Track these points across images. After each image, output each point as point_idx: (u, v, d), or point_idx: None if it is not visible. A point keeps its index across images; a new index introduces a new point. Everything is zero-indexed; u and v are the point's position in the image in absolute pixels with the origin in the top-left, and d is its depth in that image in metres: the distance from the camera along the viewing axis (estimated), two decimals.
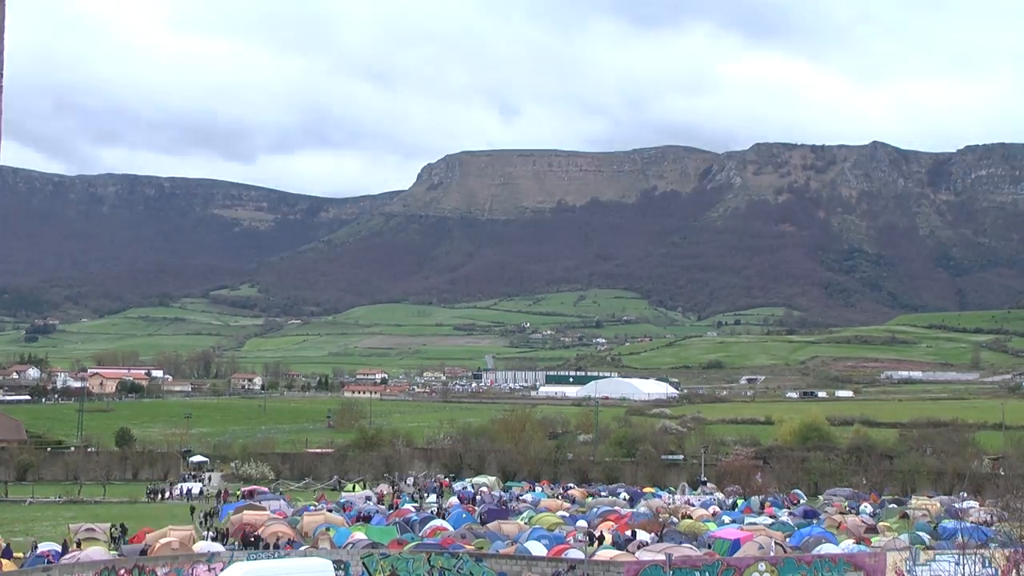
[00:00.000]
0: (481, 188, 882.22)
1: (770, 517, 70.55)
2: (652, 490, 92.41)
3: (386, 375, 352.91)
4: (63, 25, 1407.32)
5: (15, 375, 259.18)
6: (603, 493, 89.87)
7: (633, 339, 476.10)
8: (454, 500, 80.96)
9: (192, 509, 64.12)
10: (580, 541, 50.72)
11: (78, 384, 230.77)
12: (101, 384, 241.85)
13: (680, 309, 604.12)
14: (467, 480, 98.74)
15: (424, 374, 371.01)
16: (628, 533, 58.76)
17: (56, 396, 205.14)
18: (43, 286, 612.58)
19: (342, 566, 44.50)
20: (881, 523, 68.31)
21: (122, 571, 42.28)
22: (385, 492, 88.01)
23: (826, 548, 52.44)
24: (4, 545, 49.92)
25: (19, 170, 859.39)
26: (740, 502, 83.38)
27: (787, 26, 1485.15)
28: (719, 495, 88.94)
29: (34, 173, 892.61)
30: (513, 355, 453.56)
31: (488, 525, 62.32)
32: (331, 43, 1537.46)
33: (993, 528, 55.90)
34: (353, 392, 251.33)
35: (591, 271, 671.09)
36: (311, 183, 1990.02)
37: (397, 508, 74.53)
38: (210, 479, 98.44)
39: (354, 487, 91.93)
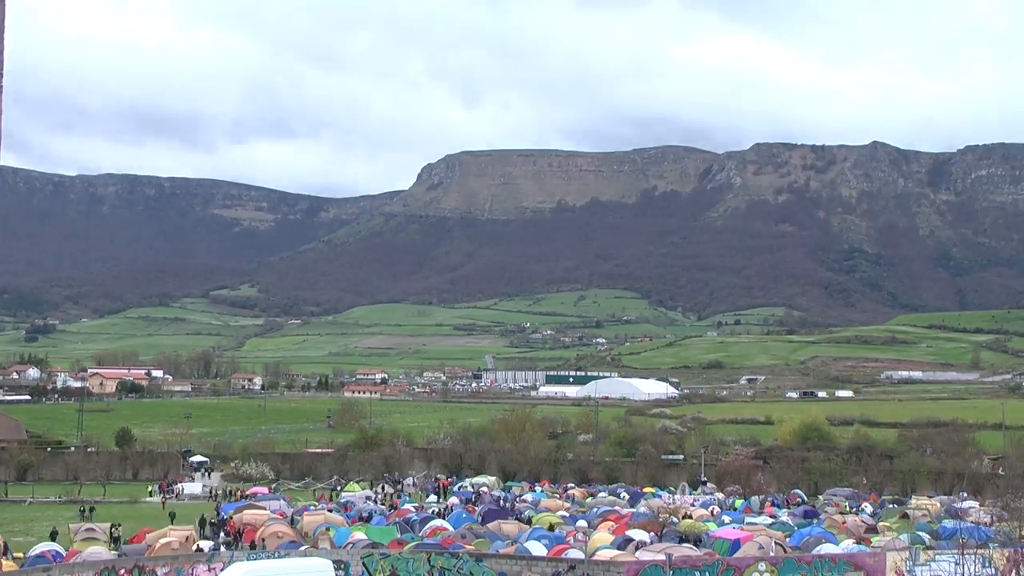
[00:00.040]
0: (481, 188, 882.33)
1: (770, 517, 70.55)
2: (652, 490, 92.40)
3: (386, 375, 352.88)
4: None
5: (15, 375, 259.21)
6: (603, 493, 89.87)
7: (633, 339, 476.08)
8: (454, 500, 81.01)
9: (203, 521, 62.96)
10: (580, 541, 50.75)
11: (78, 384, 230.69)
12: (101, 384, 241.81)
13: (680, 309, 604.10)
14: (466, 480, 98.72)
15: (424, 374, 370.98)
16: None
17: (56, 396, 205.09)
18: (43, 286, 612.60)
19: (342, 566, 44.50)
20: (881, 523, 68.31)
21: (122, 571, 42.29)
22: (386, 491, 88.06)
23: (826, 548, 52.44)
24: (4, 544, 49.97)
25: (19, 170, 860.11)
26: (740, 502, 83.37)
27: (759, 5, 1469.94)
28: (719, 495, 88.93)
29: (34, 173, 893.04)
30: (513, 355, 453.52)
31: (488, 525, 62.34)
32: (276, 28, 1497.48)
33: (993, 528, 55.95)
34: (353, 392, 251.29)
35: (591, 271, 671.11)
36: (311, 183, 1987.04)
37: (397, 508, 74.57)
38: (210, 478, 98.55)
39: (361, 485, 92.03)
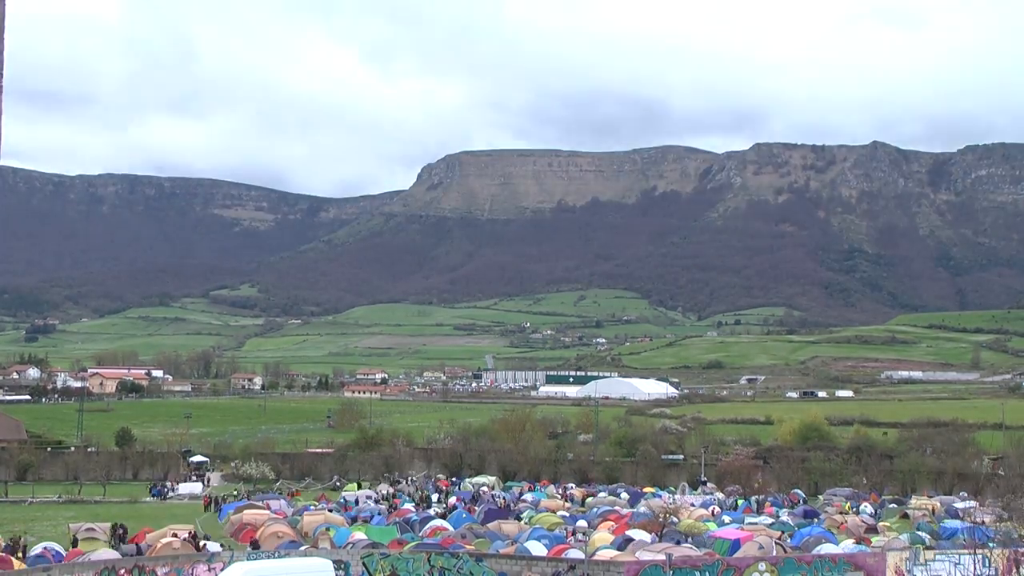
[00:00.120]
0: (481, 188, 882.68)
1: (770, 517, 70.54)
2: (652, 490, 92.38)
3: (386, 375, 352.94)
4: None
5: (15, 375, 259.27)
6: (603, 493, 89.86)
7: (633, 339, 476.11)
8: (454, 500, 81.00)
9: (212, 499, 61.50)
10: (580, 541, 50.74)
11: (78, 384, 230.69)
12: (101, 384, 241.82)
13: (680, 309, 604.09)
14: (466, 479, 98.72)
15: (424, 374, 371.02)
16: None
17: (56, 396, 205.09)
18: (43, 286, 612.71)
19: (342, 566, 44.50)
20: (881, 523, 68.30)
21: (122, 571, 42.28)
22: (386, 492, 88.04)
23: (826, 548, 52.43)
24: (3, 544, 49.96)
25: (19, 170, 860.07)
26: (740, 502, 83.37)
27: None
28: (719, 495, 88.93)
29: (34, 173, 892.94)
30: (513, 355, 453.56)
31: (488, 525, 62.33)
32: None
33: (993, 528, 55.89)
34: (353, 392, 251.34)
35: (591, 271, 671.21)
36: (311, 183, 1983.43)
37: (397, 508, 74.56)
38: (209, 480, 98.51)
39: (360, 484, 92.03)
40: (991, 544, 48.06)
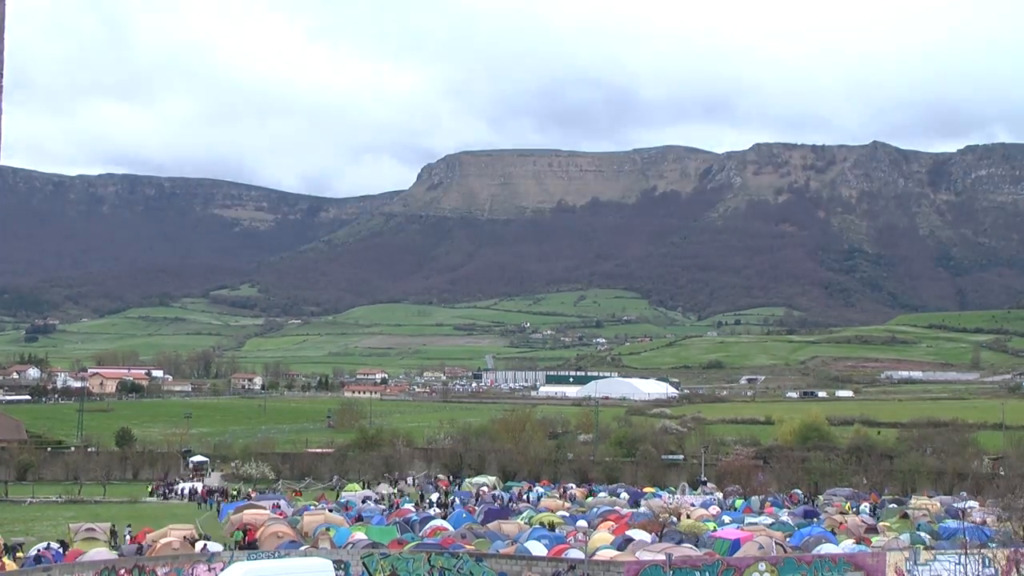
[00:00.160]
0: (481, 188, 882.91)
1: (770, 517, 70.52)
2: (652, 490, 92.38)
3: (386, 375, 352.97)
4: None
5: (15, 375, 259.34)
6: (603, 493, 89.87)
7: (633, 339, 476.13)
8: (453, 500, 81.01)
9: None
10: (580, 541, 50.72)
11: (78, 384, 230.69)
12: (101, 384, 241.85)
13: (680, 309, 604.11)
14: (466, 479, 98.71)
15: (424, 374, 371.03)
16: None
17: (56, 396, 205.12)
18: (43, 286, 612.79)
19: (342, 566, 44.49)
20: (881, 523, 68.29)
21: (122, 571, 42.28)
22: (385, 492, 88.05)
23: (826, 548, 52.41)
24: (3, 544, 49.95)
25: (19, 170, 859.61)
26: (740, 502, 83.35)
27: None
28: (719, 495, 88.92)
29: (34, 173, 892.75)
30: (513, 355, 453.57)
31: (488, 525, 62.32)
32: None
33: (993, 528, 55.91)
34: (353, 392, 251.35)
35: (591, 271, 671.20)
36: (312, 183, 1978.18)
37: (397, 508, 74.55)
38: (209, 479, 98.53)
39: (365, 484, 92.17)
40: (991, 544, 48.10)
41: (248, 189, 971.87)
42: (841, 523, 66.42)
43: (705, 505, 79.32)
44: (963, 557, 43.32)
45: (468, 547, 51.64)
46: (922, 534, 59.99)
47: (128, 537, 54.64)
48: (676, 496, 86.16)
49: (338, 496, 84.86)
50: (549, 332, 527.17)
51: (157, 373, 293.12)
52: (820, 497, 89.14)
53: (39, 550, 49.02)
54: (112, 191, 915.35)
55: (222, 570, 41.44)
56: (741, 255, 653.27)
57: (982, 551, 44.42)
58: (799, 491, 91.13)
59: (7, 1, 15.12)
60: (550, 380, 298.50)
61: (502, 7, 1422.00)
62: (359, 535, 54.39)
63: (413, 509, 72.11)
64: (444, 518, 65.91)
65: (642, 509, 72.71)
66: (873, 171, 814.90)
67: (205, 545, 50.33)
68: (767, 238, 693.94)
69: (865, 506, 79.58)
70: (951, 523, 64.16)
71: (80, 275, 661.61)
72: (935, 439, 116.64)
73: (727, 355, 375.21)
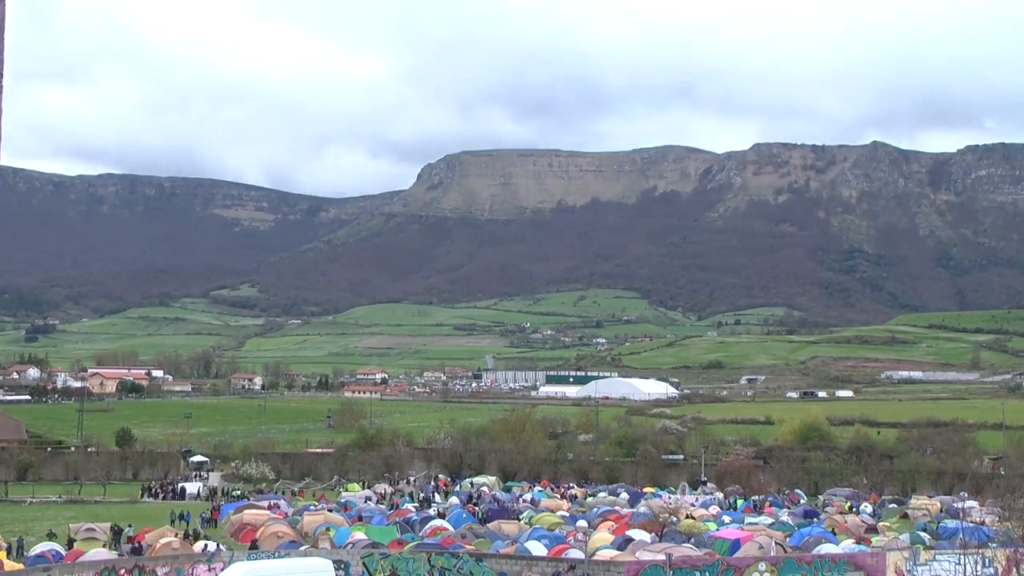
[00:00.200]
0: (481, 188, 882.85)
1: (770, 517, 70.55)
2: (652, 490, 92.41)
3: (386, 375, 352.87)
4: None
5: (15, 375, 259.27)
6: (603, 493, 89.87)
7: (633, 339, 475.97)
8: (454, 500, 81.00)
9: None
10: (580, 541, 50.74)
11: (78, 384, 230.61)
12: (101, 384, 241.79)
13: (680, 309, 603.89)
14: (466, 479, 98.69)
15: (424, 374, 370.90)
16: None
17: (56, 396, 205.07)
18: (43, 286, 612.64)
19: (342, 566, 44.50)
20: (881, 523, 68.31)
21: (122, 571, 42.29)
22: (385, 492, 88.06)
23: (826, 548, 52.44)
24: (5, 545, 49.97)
25: (19, 170, 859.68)
26: (740, 502, 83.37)
27: None
28: (719, 495, 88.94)
29: (34, 173, 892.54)
30: (513, 355, 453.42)
31: (488, 525, 62.34)
32: None
33: (993, 528, 55.91)
34: (353, 392, 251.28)
35: (591, 271, 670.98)
36: (312, 183, 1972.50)
37: (397, 508, 74.55)
38: (208, 479, 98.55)
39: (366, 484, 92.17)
40: (991, 544, 48.11)
41: (248, 189, 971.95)
42: (841, 523, 66.47)
43: (705, 505, 79.36)
44: (963, 557, 43.35)
45: (468, 547, 51.66)
46: (922, 534, 60.02)
47: (126, 537, 54.62)
48: (676, 496, 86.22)
49: (338, 496, 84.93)
50: (549, 332, 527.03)
51: (157, 373, 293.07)
52: (820, 497, 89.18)
53: (47, 548, 49.10)
54: (112, 191, 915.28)
55: (222, 570, 41.45)
56: (741, 255, 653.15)
57: (982, 551, 44.45)
58: (799, 491, 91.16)
59: (7, 1, 15.13)
60: (550, 380, 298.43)
61: None
62: (359, 535, 54.41)
63: (413, 509, 72.07)
64: (443, 517, 65.96)
65: (642, 509, 72.73)
66: (873, 171, 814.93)
67: (205, 545, 50.37)
68: (767, 238, 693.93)
69: (865, 506, 79.61)
70: (951, 523, 64.18)
71: (80, 275, 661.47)
72: (935, 439, 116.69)
73: (727, 355, 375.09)
